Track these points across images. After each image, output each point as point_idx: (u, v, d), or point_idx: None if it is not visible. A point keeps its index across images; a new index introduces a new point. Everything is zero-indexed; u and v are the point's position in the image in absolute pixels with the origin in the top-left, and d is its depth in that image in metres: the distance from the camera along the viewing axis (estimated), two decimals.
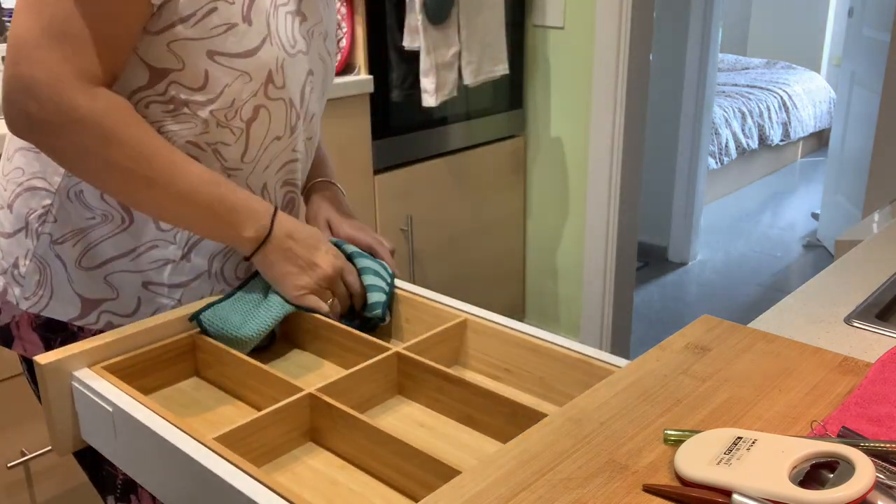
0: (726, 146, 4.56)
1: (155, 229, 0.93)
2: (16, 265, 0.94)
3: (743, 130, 4.72)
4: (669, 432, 0.62)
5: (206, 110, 0.88)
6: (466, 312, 0.94)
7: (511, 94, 2.58)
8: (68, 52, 0.79)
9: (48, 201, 0.92)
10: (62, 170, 0.91)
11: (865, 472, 0.52)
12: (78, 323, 0.95)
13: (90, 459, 1.00)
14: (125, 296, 0.94)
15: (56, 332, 0.96)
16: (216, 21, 0.84)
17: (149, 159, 0.83)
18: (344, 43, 2.11)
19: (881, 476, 0.54)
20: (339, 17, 2.11)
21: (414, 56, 2.15)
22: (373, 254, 1.05)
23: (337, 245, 1.01)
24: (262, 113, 0.91)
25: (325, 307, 0.93)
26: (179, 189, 0.85)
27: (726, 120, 4.58)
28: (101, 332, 0.93)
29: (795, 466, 0.55)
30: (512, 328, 0.90)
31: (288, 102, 0.93)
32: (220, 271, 0.99)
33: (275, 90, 0.91)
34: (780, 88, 5.14)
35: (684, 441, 0.61)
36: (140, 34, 0.84)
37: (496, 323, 0.92)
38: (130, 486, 0.96)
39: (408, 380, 0.88)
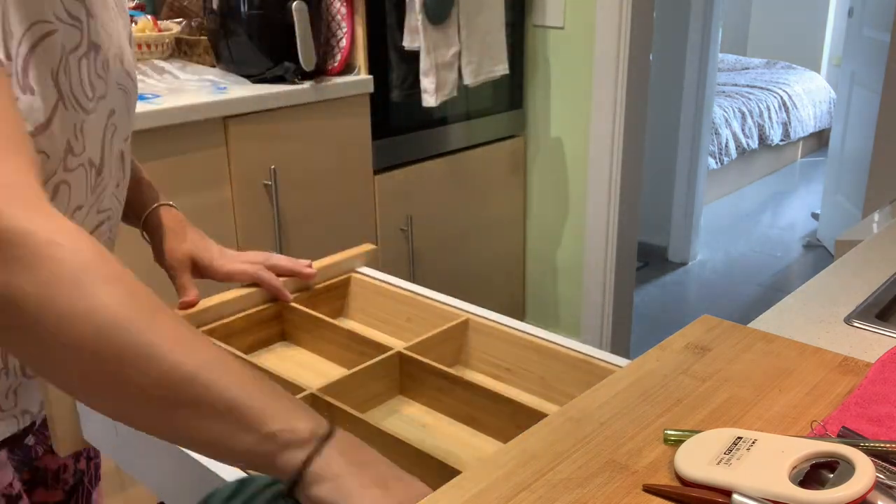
0: (726, 146, 4.56)
1: None
2: None
3: (743, 130, 4.72)
4: (669, 432, 0.62)
5: None
6: (467, 312, 0.95)
7: (511, 94, 2.58)
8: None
9: None
10: None
11: (865, 472, 0.52)
12: None
13: None
14: None
15: None
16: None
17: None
18: (344, 43, 2.11)
19: (881, 476, 0.54)
20: (339, 17, 2.11)
21: (414, 56, 2.15)
22: (295, 275, 0.98)
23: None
24: (61, 189, 0.73)
25: None
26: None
27: (726, 120, 4.58)
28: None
29: (795, 466, 0.55)
30: (512, 328, 0.90)
31: (88, 165, 0.76)
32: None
33: (73, 159, 0.73)
34: (780, 88, 5.14)
35: (684, 441, 0.61)
36: None
37: (497, 322, 0.92)
38: None
39: (409, 379, 0.88)
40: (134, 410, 0.57)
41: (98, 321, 0.53)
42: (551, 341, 0.88)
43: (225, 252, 0.97)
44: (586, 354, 0.83)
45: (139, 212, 0.96)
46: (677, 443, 0.61)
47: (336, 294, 1.05)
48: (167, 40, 2.10)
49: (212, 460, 0.68)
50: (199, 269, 0.96)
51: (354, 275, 1.06)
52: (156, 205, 0.95)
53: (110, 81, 0.78)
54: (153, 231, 0.95)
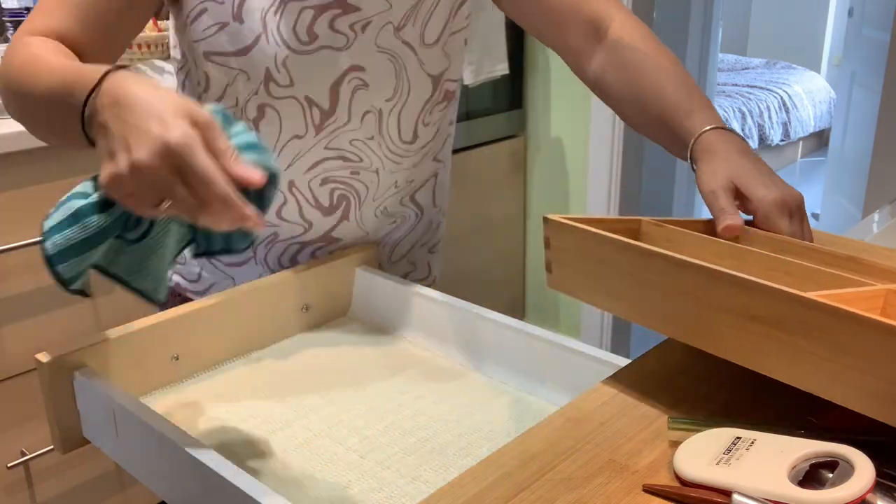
0: None
1: None
2: None
3: (743, 130, 4.72)
4: (674, 419, 0.62)
5: None
6: (467, 311, 0.95)
7: (511, 94, 2.58)
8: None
9: None
10: None
11: (865, 471, 0.52)
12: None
13: None
14: (190, 264, 1.04)
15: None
16: (207, 21, 0.85)
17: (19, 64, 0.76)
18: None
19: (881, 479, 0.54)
20: None
21: None
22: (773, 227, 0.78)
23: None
24: (268, 112, 0.90)
25: (150, 212, 0.62)
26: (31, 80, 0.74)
27: (726, 120, 4.58)
28: (171, 290, 1.05)
29: (795, 466, 0.55)
30: (512, 327, 0.90)
31: (304, 101, 0.90)
32: (265, 258, 1.02)
33: (279, 88, 0.88)
34: (780, 88, 5.14)
35: (687, 428, 0.61)
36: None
37: (497, 321, 0.92)
38: None
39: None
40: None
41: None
42: (551, 341, 0.88)
43: (764, 178, 0.81)
44: (586, 354, 0.83)
45: (686, 141, 0.88)
46: (680, 430, 0.62)
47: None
48: (167, 40, 2.10)
49: (213, 459, 0.68)
50: (739, 196, 0.82)
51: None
52: (703, 131, 0.86)
53: (363, 42, 0.89)
54: (697, 160, 0.86)
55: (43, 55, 0.75)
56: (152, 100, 0.60)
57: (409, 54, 0.94)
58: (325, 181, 0.97)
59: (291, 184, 0.97)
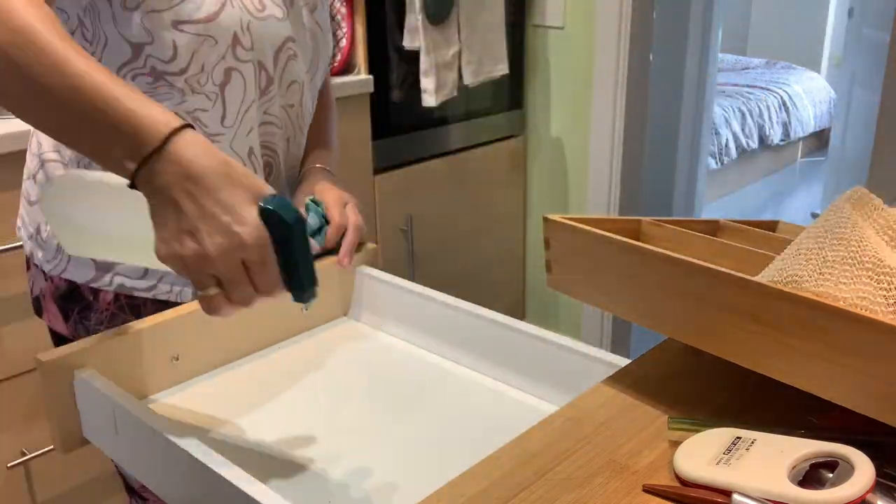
0: (726, 146, 4.56)
1: None
2: (38, 231, 1.01)
3: (743, 130, 4.72)
4: (674, 419, 0.62)
5: (181, 79, 0.90)
6: (467, 311, 0.95)
7: (511, 94, 2.58)
8: None
9: (60, 171, 0.97)
10: None
11: (865, 471, 0.52)
12: (94, 285, 0.98)
13: None
14: None
15: (73, 303, 1.00)
16: None
17: (32, 46, 0.67)
18: (344, 43, 2.11)
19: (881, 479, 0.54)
20: (339, 17, 2.11)
21: (414, 56, 2.15)
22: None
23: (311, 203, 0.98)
24: (234, 76, 0.92)
25: (209, 293, 0.66)
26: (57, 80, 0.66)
27: (726, 120, 4.59)
28: (115, 296, 0.99)
29: (795, 466, 0.55)
30: (512, 327, 0.90)
31: (257, 65, 0.94)
32: None
33: (243, 52, 0.92)
34: (780, 88, 5.14)
35: (687, 428, 0.61)
36: None
37: (497, 322, 0.92)
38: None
39: None
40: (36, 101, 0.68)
41: (15, 23, 0.66)
42: (551, 341, 0.88)
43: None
44: (586, 354, 0.83)
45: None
46: (680, 430, 0.62)
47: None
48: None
49: (213, 458, 0.68)
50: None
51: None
52: (310, 167, 1.09)
53: (292, 14, 0.97)
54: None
55: (53, 41, 0.67)
56: (225, 184, 0.63)
57: (319, 36, 1.04)
58: (262, 146, 1.01)
59: (250, 151, 0.99)
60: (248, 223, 0.62)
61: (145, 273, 0.98)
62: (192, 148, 0.64)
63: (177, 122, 0.65)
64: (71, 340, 0.97)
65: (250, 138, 0.98)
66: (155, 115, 0.65)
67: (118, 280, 0.98)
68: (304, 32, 1.00)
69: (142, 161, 0.64)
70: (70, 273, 0.99)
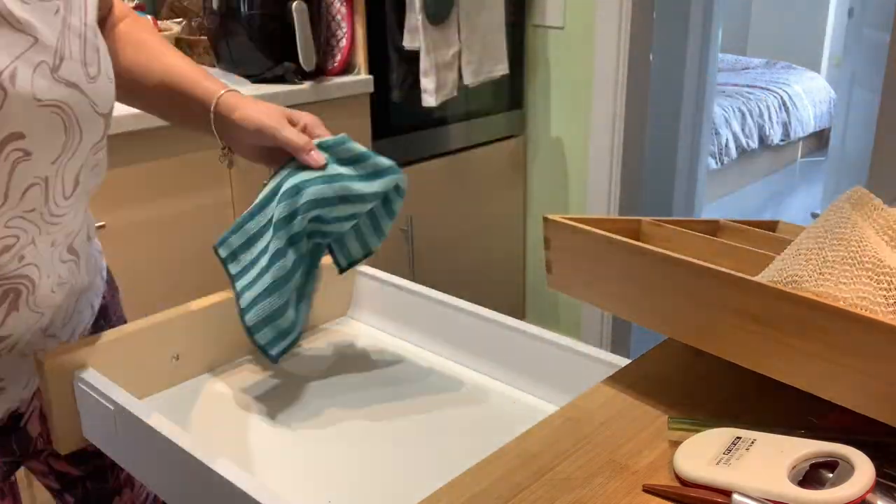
0: (726, 146, 4.56)
1: None
2: None
3: (743, 130, 4.72)
4: (674, 419, 0.62)
5: None
6: (467, 311, 0.95)
7: (511, 94, 2.58)
8: None
9: None
10: None
11: (865, 472, 0.52)
12: None
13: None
14: None
15: None
16: None
17: None
18: (344, 43, 2.11)
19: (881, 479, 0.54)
20: (339, 17, 2.11)
21: (414, 56, 2.15)
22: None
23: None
24: None
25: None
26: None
27: (726, 120, 4.59)
28: None
29: (795, 466, 0.55)
30: (512, 327, 0.90)
31: None
32: None
33: None
34: (780, 88, 5.14)
35: (687, 428, 0.61)
36: None
37: (497, 322, 0.92)
38: None
39: None
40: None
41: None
42: (550, 340, 0.88)
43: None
44: (586, 354, 0.83)
45: (207, 102, 0.89)
46: (680, 430, 0.62)
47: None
48: (167, 40, 2.10)
49: (212, 458, 0.68)
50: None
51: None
52: (222, 93, 0.90)
53: (16, 98, 0.66)
54: (228, 113, 0.89)
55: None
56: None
57: (76, 98, 0.72)
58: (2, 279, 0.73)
59: None
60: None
61: None
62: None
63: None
64: None
65: None
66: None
67: None
68: (38, 114, 0.69)
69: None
70: None
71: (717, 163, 4.45)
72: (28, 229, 0.74)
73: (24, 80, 0.66)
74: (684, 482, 0.57)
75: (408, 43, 2.14)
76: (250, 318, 0.83)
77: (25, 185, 0.71)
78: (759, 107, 4.86)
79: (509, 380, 0.90)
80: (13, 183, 0.69)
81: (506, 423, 0.82)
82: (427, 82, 2.15)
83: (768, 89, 5.08)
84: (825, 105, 5.40)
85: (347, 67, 2.15)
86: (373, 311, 1.04)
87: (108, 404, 0.78)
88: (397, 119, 2.25)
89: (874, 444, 0.57)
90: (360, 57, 2.13)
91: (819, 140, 5.64)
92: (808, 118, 5.25)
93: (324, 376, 0.93)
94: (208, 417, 0.86)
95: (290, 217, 0.82)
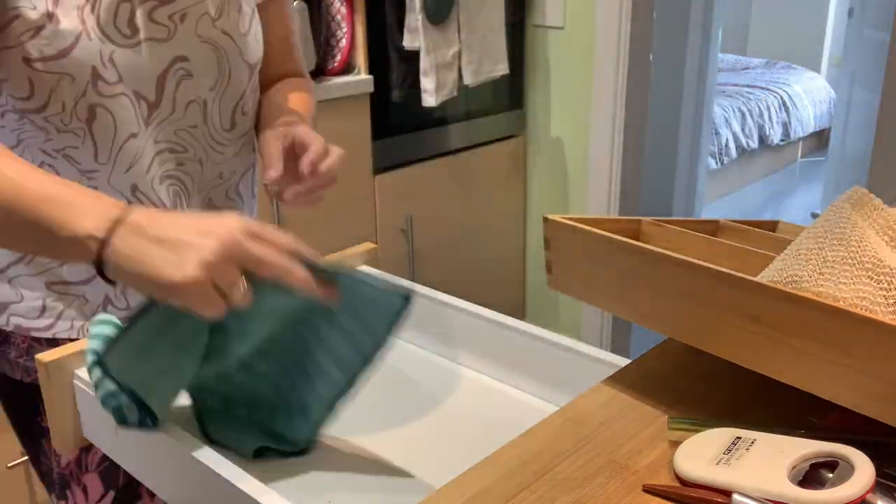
0: (726, 146, 4.56)
1: None
2: None
3: (743, 130, 4.72)
4: (674, 419, 0.62)
5: (40, 117, 0.85)
6: (467, 311, 0.95)
7: (511, 94, 2.58)
8: None
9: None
10: None
11: (865, 472, 0.52)
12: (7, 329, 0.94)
13: (31, 449, 0.98)
14: (29, 298, 0.93)
15: None
16: (21, 27, 0.80)
17: None
18: (344, 43, 2.11)
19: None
20: (339, 17, 2.11)
21: (414, 56, 2.15)
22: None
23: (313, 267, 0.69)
24: (100, 112, 0.86)
25: (233, 297, 0.66)
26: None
27: (726, 120, 4.58)
28: (11, 333, 0.94)
29: (795, 466, 0.55)
30: (512, 327, 0.90)
31: (133, 96, 0.87)
32: None
33: (107, 86, 0.85)
34: (780, 88, 5.14)
35: (687, 428, 0.61)
36: None
37: (497, 322, 0.92)
38: (66, 482, 0.95)
39: None
40: None
41: None
42: (550, 341, 0.88)
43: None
44: (586, 354, 0.83)
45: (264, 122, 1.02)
46: (680, 430, 0.62)
47: None
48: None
49: (212, 458, 0.68)
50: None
51: None
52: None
53: (180, 31, 0.89)
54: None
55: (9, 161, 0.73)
56: (192, 218, 0.67)
57: (229, 43, 0.94)
58: (162, 179, 0.93)
59: (134, 188, 0.91)
60: (225, 219, 0.66)
61: (42, 312, 0.93)
62: (143, 210, 0.68)
63: (104, 225, 0.67)
64: None
65: (133, 174, 0.90)
66: (103, 197, 0.70)
67: (14, 320, 0.94)
68: (199, 46, 0.91)
69: (96, 262, 0.67)
70: None
71: (717, 163, 4.45)
72: (194, 146, 0.94)
73: (191, 21, 0.90)
74: (684, 482, 0.57)
75: (408, 43, 2.14)
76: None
77: (187, 101, 0.92)
78: (759, 107, 4.86)
79: (509, 380, 0.90)
80: (178, 97, 0.91)
81: (506, 423, 0.82)
82: (427, 82, 2.15)
83: (768, 89, 5.08)
84: (825, 105, 5.40)
85: (347, 67, 2.15)
86: None
87: None
88: (397, 119, 2.25)
89: (874, 444, 0.57)
90: (360, 57, 2.13)
91: (819, 140, 5.64)
92: (808, 118, 5.25)
93: None
94: None
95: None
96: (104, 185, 0.89)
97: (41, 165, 0.86)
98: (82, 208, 0.68)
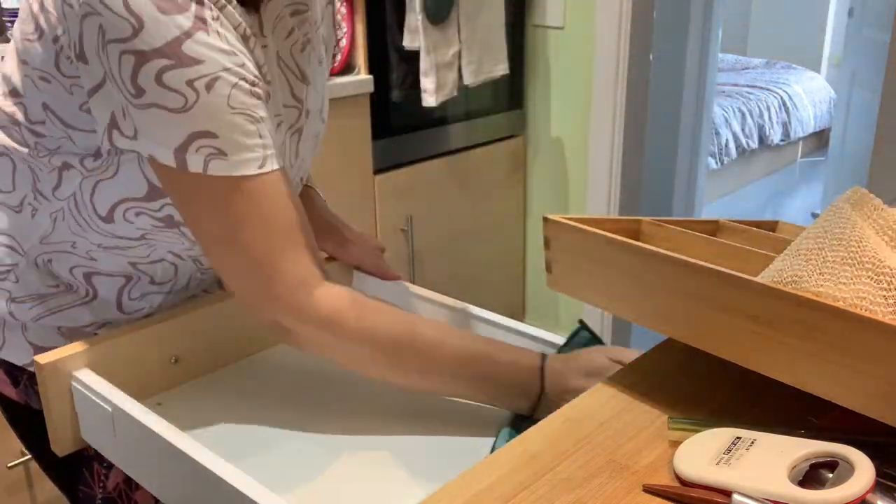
0: (726, 146, 4.56)
1: (116, 310, 0.91)
2: None
3: (743, 130, 4.72)
4: (674, 420, 0.62)
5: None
6: (466, 312, 0.95)
7: (511, 94, 2.58)
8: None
9: (12, 261, 0.88)
10: (37, 235, 0.86)
11: (865, 472, 0.52)
12: (32, 369, 0.92)
13: (66, 479, 0.97)
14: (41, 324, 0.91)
15: (21, 371, 0.93)
16: None
17: (409, 348, 0.79)
18: (344, 43, 2.11)
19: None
20: (339, 16, 2.11)
21: (414, 56, 2.15)
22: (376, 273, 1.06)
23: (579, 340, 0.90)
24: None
25: None
26: (443, 372, 0.81)
27: (726, 120, 4.59)
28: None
29: (795, 466, 0.55)
30: (512, 327, 0.90)
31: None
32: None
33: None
34: (780, 88, 5.14)
35: (687, 428, 0.61)
36: None
37: (497, 322, 0.92)
38: None
39: None
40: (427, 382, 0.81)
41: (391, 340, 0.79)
42: (551, 341, 0.88)
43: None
44: None
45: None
46: (680, 430, 0.61)
47: None
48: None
49: (210, 459, 0.68)
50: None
51: None
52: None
53: (307, 135, 0.93)
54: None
55: (421, 327, 0.81)
56: (583, 362, 0.82)
57: (321, 129, 1.00)
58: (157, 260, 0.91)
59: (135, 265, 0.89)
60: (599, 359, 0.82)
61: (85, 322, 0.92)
62: (553, 372, 0.81)
63: (537, 362, 0.82)
64: (22, 406, 0.93)
65: (134, 255, 0.89)
66: (522, 369, 0.81)
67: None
68: (311, 142, 0.96)
69: (535, 401, 0.81)
70: (6, 355, 0.92)
71: (717, 163, 4.45)
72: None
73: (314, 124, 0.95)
74: (684, 482, 0.57)
75: (408, 43, 2.14)
76: None
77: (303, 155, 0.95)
78: (759, 107, 4.86)
79: None
80: (300, 152, 0.93)
81: (506, 423, 0.81)
82: (427, 82, 2.15)
83: (768, 89, 5.08)
84: (825, 105, 5.40)
85: (347, 67, 2.15)
86: None
87: (106, 406, 0.78)
88: (397, 119, 2.25)
89: (874, 444, 0.57)
90: (360, 57, 2.13)
91: (819, 140, 5.64)
92: (808, 118, 5.25)
93: (323, 377, 0.93)
94: (207, 419, 0.86)
95: None
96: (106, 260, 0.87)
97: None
98: (514, 389, 0.81)
